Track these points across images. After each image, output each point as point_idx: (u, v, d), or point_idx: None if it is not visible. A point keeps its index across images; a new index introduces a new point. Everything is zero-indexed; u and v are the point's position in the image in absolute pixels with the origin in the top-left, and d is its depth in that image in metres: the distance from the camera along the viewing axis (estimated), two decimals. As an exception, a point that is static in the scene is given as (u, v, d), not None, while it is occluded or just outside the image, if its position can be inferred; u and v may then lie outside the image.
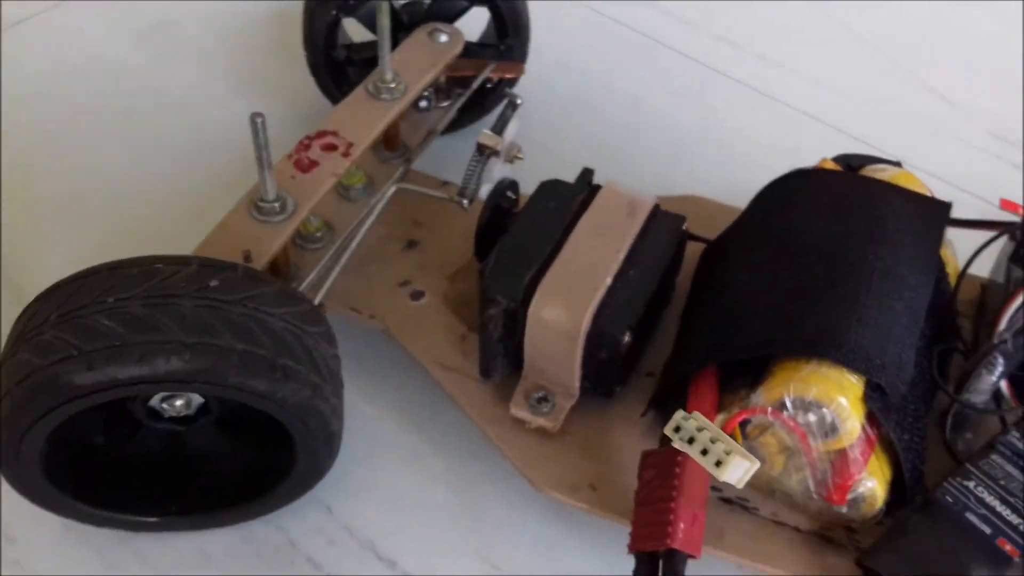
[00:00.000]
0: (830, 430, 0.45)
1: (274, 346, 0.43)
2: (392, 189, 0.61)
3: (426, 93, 0.66)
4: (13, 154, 0.72)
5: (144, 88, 0.78)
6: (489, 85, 0.69)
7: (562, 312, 0.50)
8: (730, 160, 0.66)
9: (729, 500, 0.50)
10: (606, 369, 0.51)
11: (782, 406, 0.44)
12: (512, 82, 0.71)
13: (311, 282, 0.56)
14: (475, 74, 0.67)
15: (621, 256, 0.52)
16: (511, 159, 0.59)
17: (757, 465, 0.42)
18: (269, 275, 0.48)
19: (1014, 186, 0.71)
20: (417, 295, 0.59)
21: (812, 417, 0.44)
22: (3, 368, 0.43)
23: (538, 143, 0.67)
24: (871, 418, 0.45)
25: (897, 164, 0.55)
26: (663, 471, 0.45)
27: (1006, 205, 0.54)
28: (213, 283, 0.43)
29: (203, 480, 0.52)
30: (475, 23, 0.70)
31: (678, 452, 0.45)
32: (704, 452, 0.42)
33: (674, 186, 0.65)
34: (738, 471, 0.42)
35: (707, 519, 0.45)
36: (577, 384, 0.52)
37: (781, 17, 0.87)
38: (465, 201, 0.57)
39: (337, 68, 0.69)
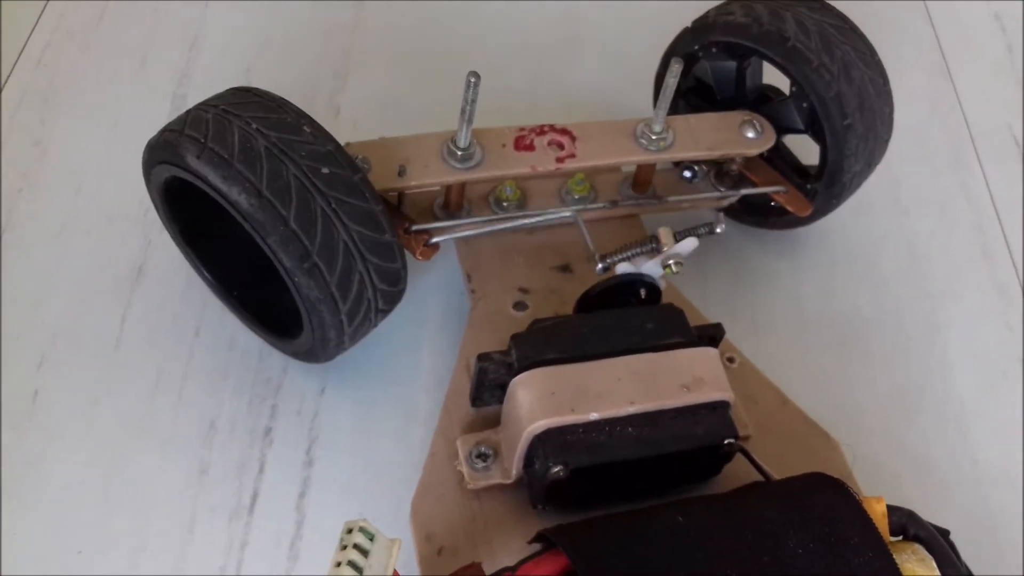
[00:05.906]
0: None
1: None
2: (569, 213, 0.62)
3: (696, 168, 0.65)
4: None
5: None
6: (772, 203, 0.66)
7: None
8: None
9: None
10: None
11: None
12: (792, 217, 0.66)
13: (459, 226, 0.61)
14: (759, 183, 0.65)
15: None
16: (666, 265, 0.57)
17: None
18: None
19: None
20: (520, 306, 0.61)
21: None
22: (189, 113, 0.52)
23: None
24: None
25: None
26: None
27: None
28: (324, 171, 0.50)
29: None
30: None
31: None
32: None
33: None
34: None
35: None
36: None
37: None
38: (599, 265, 0.57)
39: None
